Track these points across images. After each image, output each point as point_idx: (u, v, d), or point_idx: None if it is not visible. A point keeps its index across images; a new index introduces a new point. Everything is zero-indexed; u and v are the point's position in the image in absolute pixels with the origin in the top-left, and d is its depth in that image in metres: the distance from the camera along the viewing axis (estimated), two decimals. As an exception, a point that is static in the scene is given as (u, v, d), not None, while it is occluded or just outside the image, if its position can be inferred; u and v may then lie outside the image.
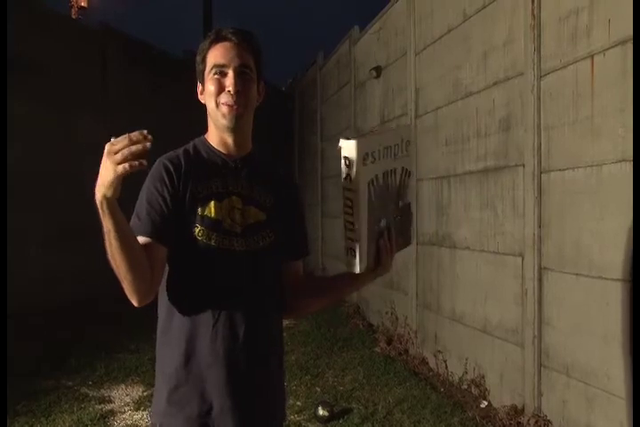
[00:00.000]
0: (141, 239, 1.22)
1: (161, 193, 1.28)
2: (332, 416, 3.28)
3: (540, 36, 2.88)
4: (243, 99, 1.31)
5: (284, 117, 10.23)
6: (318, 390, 3.80)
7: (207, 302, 1.31)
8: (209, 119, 1.38)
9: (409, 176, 1.30)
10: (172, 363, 1.31)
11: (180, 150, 1.37)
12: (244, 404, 1.32)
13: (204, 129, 1.42)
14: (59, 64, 5.74)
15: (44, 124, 5.51)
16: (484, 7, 3.42)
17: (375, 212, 1.19)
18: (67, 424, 3.19)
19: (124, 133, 1.03)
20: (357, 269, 1.18)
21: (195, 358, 1.30)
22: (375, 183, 1.17)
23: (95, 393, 3.73)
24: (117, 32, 6.85)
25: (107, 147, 1.04)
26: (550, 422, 2.80)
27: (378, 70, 5.32)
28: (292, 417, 3.34)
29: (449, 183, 3.91)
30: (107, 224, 1.10)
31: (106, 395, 3.71)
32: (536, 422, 2.84)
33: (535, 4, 2.89)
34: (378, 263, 1.25)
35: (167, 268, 1.32)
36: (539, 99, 2.88)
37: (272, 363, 1.41)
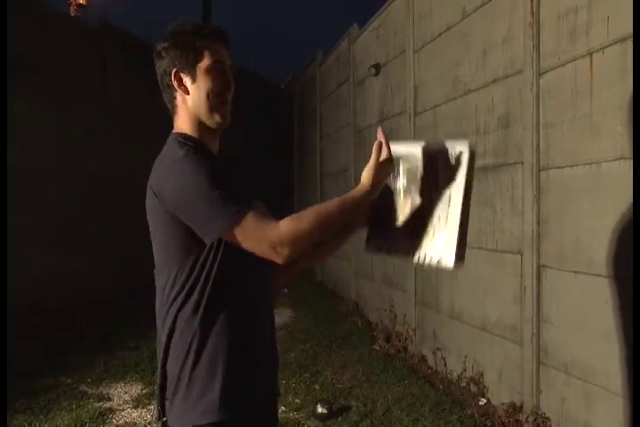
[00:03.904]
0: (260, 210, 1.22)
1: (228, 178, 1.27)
2: (331, 414, 3.29)
3: (539, 33, 2.88)
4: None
5: (284, 115, 10.24)
6: (317, 387, 3.81)
7: (255, 298, 1.32)
8: (188, 115, 1.35)
9: None
10: (227, 363, 1.27)
11: (192, 149, 1.28)
12: (275, 400, 1.44)
13: None
14: (59, 64, 5.73)
15: (44, 124, 5.51)
16: (483, 5, 3.42)
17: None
18: (65, 422, 3.19)
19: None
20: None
21: (252, 356, 1.31)
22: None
23: (94, 391, 3.74)
24: (117, 30, 6.84)
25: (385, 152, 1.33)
26: (549, 420, 2.80)
27: (377, 68, 5.31)
28: (290, 415, 3.35)
29: (448, 181, 3.90)
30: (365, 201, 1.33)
31: (105, 393, 3.72)
32: (535, 419, 2.84)
33: (534, 2, 2.89)
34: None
35: (205, 265, 1.24)
36: (538, 96, 2.88)
37: None
